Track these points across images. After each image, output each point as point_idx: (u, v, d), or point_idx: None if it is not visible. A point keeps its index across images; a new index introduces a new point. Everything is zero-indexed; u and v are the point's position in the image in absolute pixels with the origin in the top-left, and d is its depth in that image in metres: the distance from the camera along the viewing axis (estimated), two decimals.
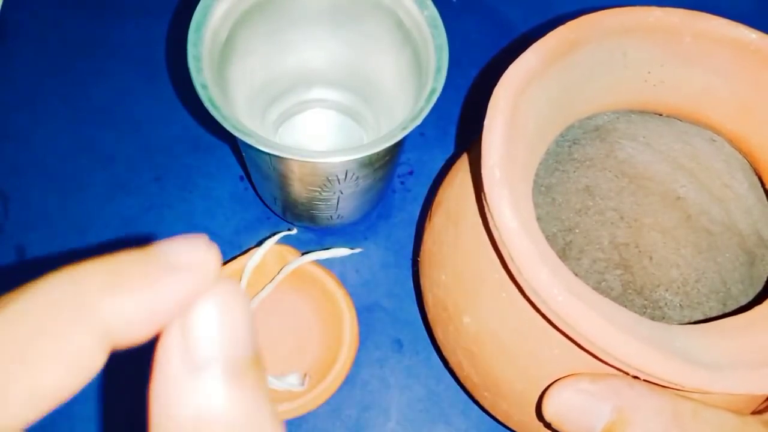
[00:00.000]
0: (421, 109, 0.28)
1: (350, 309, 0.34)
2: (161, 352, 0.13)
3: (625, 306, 0.33)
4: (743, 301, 0.30)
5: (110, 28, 0.45)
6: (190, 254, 0.13)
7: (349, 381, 0.36)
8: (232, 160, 0.41)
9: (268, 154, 0.27)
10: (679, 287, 0.33)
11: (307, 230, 0.39)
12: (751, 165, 0.28)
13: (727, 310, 0.31)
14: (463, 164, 0.29)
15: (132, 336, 0.13)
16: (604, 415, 0.21)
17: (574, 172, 0.33)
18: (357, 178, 0.31)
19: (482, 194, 0.22)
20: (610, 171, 0.33)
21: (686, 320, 0.32)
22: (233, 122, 0.27)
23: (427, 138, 0.43)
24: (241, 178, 0.41)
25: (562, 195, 0.33)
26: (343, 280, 0.37)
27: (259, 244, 0.35)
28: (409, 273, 0.39)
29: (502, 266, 0.23)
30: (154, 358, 0.13)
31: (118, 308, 0.13)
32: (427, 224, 0.31)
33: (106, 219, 0.39)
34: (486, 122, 0.22)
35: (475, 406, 0.35)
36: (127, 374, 0.34)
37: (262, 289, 0.35)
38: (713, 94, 0.26)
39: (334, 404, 0.35)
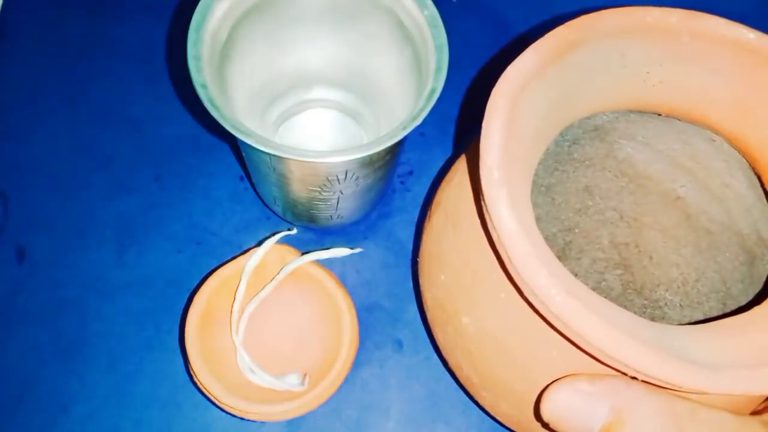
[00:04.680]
0: (421, 109, 0.28)
1: (350, 309, 0.34)
2: None
3: (625, 306, 0.33)
4: (743, 301, 0.30)
5: (110, 28, 0.45)
6: None
7: (349, 381, 0.36)
8: (232, 160, 0.41)
9: (268, 154, 0.27)
10: (679, 287, 0.33)
11: (307, 230, 0.39)
12: (750, 164, 0.28)
13: (727, 310, 0.31)
14: (461, 164, 0.29)
15: None
16: (602, 416, 0.21)
17: (574, 172, 0.33)
18: (357, 178, 0.31)
19: (480, 195, 0.22)
20: (609, 171, 0.33)
21: (686, 320, 0.32)
22: (233, 122, 0.27)
23: (427, 138, 0.43)
24: (241, 178, 0.41)
25: (562, 195, 0.33)
26: (343, 280, 0.37)
27: (259, 244, 0.35)
28: (409, 273, 0.39)
29: (500, 267, 0.23)
30: None
31: None
32: (426, 224, 0.31)
33: (106, 219, 0.39)
34: (484, 122, 0.22)
35: (475, 406, 0.35)
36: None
37: (262, 289, 0.35)
38: (712, 93, 0.26)
39: (334, 404, 0.35)
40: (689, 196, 0.32)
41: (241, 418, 0.33)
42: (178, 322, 0.37)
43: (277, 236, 0.35)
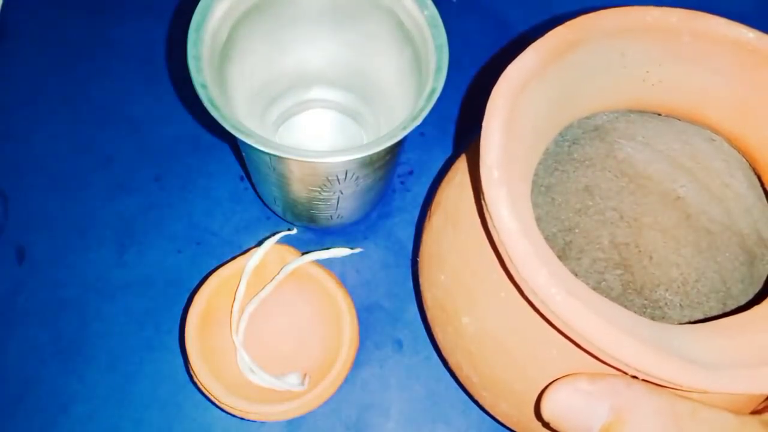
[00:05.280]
0: (421, 109, 0.28)
1: (350, 309, 0.34)
2: None
3: (625, 306, 0.33)
4: (743, 301, 0.30)
5: (110, 28, 0.45)
6: None
7: (349, 381, 0.36)
8: (232, 160, 0.41)
9: (268, 154, 0.27)
10: (679, 287, 0.33)
11: (307, 230, 0.39)
12: (750, 164, 0.28)
13: (727, 310, 0.31)
14: (461, 164, 0.29)
15: None
16: (602, 415, 0.21)
17: (574, 172, 0.33)
18: (357, 178, 0.31)
19: (480, 194, 0.22)
20: (609, 171, 0.33)
21: (686, 320, 0.32)
22: (233, 122, 0.27)
23: (427, 138, 0.43)
24: (241, 178, 0.41)
25: (562, 195, 0.33)
26: (343, 280, 0.37)
27: (259, 244, 0.35)
28: (409, 273, 0.39)
29: (500, 266, 0.23)
30: None
31: None
32: (426, 224, 0.31)
33: (106, 219, 0.39)
34: (484, 122, 0.22)
35: (475, 406, 0.35)
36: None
37: (262, 289, 0.35)
38: (712, 93, 0.26)
39: (334, 404, 0.35)
40: (689, 196, 0.32)
41: (241, 418, 0.33)
42: (178, 322, 0.37)
43: (277, 236, 0.35)
